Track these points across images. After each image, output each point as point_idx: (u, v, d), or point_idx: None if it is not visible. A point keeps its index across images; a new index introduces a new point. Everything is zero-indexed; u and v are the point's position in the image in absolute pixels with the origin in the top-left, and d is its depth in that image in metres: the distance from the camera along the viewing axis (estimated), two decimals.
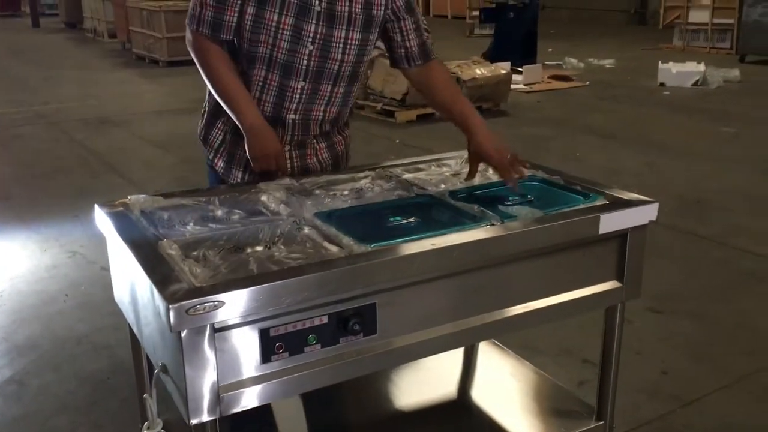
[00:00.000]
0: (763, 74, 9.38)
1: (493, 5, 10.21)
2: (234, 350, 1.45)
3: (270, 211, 1.86)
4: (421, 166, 2.24)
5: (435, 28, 15.33)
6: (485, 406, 2.25)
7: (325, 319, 1.52)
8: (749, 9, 10.17)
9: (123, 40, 12.41)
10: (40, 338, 3.00)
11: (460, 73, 7.10)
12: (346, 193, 2.01)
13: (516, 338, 2.51)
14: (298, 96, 2.05)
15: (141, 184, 5.00)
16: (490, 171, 2.18)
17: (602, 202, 1.87)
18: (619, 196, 1.90)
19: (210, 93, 2.09)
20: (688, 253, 3.78)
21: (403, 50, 2.12)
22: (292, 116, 2.08)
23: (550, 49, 11.02)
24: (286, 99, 2.05)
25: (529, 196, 1.93)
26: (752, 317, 3.13)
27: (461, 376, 2.42)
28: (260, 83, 2.03)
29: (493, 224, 1.72)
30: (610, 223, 1.79)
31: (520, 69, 8.72)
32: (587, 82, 8.86)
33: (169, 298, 1.35)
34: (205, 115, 2.18)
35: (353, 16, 2.00)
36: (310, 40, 1.98)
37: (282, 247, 1.63)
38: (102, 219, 1.84)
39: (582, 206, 1.86)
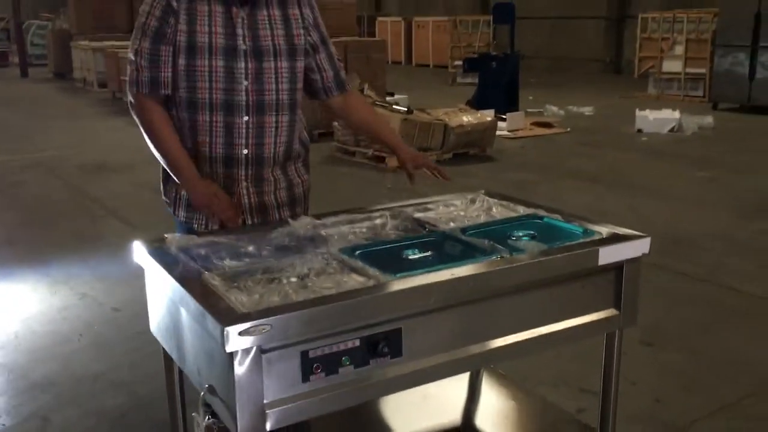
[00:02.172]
0: (736, 121, 9.77)
1: (476, 56, 10.59)
2: (277, 370, 1.60)
3: (296, 247, 2.03)
4: (429, 206, 2.42)
5: (417, 77, 15.81)
6: (491, 431, 2.40)
7: (357, 342, 1.68)
8: (720, 59, 10.64)
9: (114, 89, 12.63)
10: (58, 376, 3.10)
11: (447, 120, 7.37)
12: (364, 230, 2.19)
13: (516, 370, 2.67)
14: (245, 130, 2.20)
15: (143, 228, 5.13)
16: (494, 210, 2.38)
17: (599, 237, 2.06)
18: (615, 231, 2.09)
19: None
20: (673, 290, 3.98)
21: (319, 82, 2.34)
22: (244, 151, 2.22)
23: (530, 97, 11.39)
24: (234, 135, 2.20)
25: (532, 232, 2.12)
26: (736, 349, 3.31)
27: (467, 403, 2.57)
28: (207, 126, 2.18)
29: (502, 257, 1.90)
30: (608, 255, 1.98)
31: (504, 116, 9.02)
32: (568, 129, 9.18)
33: (224, 322, 1.50)
34: (161, 172, 2.33)
35: (277, 48, 2.20)
36: (243, 76, 2.16)
37: (314, 278, 1.79)
38: (142, 255, 2.00)
39: (581, 240, 2.05)
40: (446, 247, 2.04)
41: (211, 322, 1.55)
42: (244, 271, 1.83)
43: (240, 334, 1.50)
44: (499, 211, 2.37)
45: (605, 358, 2.16)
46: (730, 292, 3.95)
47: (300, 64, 2.26)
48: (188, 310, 1.70)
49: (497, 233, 2.11)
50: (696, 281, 4.12)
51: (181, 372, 2.14)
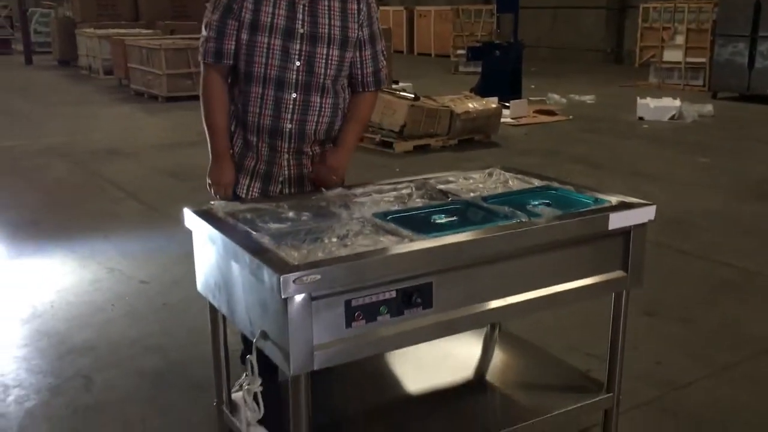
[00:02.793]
0: (735, 110, 9.95)
1: (480, 44, 10.75)
2: (324, 316, 1.80)
3: (333, 212, 2.22)
4: (450, 179, 2.61)
5: (420, 65, 15.94)
6: (506, 383, 2.60)
7: (393, 294, 1.88)
8: (721, 49, 10.81)
9: (120, 76, 12.78)
10: (95, 341, 3.30)
11: (453, 106, 7.55)
12: (391, 199, 2.39)
13: (526, 338, 2.86)
14: (291, 106, 2.41)
15: (162, 209, 5.32)
16: (510, 182, 2.58)
17: (609, 205, 2.25)
18: (623, 200, 2.28)
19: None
20: (673, 266, 4.18)
21: (359, 76, 2.51)
22: (288, 126, 2.43)
23: (532, 86, 11.55)
24: (282, 110, 2.41)
25: (547, 201, 2.31)
26: (732, 319, 3.52)
27: (481, 360, 2.77)
28: (259, 98, 2.41)
29: (521, 221, 2.10)
30: (618, 220, 2.17)
31: (507, 104, 9.20)
32: (571, 116, 9.36)
33: (280, 271, 1.70)
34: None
35: (332, 36, 2.39)
36: (297, 57, 2.37)
37: (353, 238, 1.99)
38: (193, 219, 2.19)
39: (593, 207, 2.25)
40: (469, 213, 2.23)
41: (267, 273, 1.74)
42: (289, 232, 2.03)
43: (294, 282, 1.70)
44: (515, 183, 2.57)
45: (613, 317, 2.37)
46: (727, 267, 4.15)
47: (349, 55, 2.45)
48: (243, 264, 1.89)
49: (515, 201, 2.30)
50: (695, 258, 4.32)
51: (224, 326, 2.34)
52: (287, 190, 2.51)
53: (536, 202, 2.29)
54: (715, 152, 7.28)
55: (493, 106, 7.83)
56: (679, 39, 12.00)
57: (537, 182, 2.55)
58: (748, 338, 3.31)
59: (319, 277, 1.73)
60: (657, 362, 3.07)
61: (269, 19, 2.33)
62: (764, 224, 4.98)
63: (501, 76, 10.18)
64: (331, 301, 1.80)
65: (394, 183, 2.55)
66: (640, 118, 9.17)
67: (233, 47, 2.38)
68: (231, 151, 2.52)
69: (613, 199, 2.30)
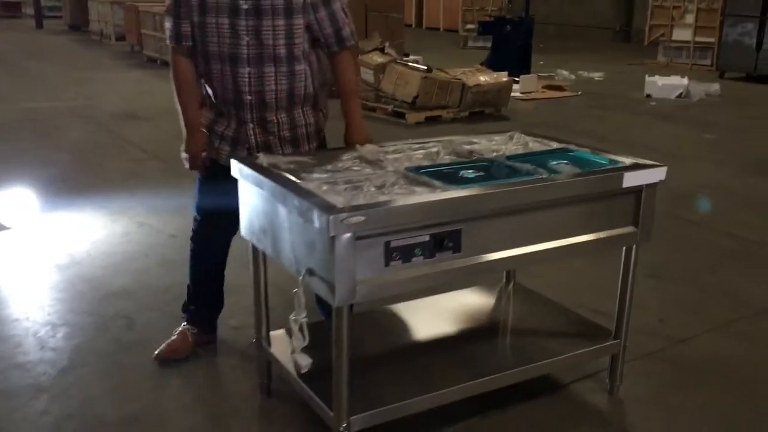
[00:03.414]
0: (741, 89, 10.08)
1: (492, 19, 10.84)
2: (365, 255, 2.00)
3: (368, 166, 2.41)
4: (474, 140, 2.80)
5: (429, 40, 16.01)
6: (520, 330, 2.81)
7: (427, 238, 2.08)
8: (729, 29, 10.91)
9: (133, 42, 12.88)
10: (133, 287, 3.51)
11: (465, 79, 7.69)
12: (420, 156, 2.57)
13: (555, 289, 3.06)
14: (248, 80, 2.55)
15: (182, 170, 5.49)
16: (530, 144, 2.76)
17: (623, 165, 2.44)
18: (636, 161, 2.47)
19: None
20: (679, 234, 4.37)
21: (321, 38, 2.61)
22: (248, 97, 2.57)
23: (541, 62, 11.65)
24: (239, 84, 2.55)
25: (565, 161, 2.50)
26: (734, 283, 3.72)
27: (495, 310, 2.98)
28: (219, 75, 2.57)
29: (543, 177, 2.28)
30: (631, 179, 2.36)
31: (517, 78, 9.33)
32: (579, 92, 9.50)
33: (328, 212, 1.89)
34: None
35: (275, 7, 2.48)
36: (245, 32, 2.50)
37: (390, 188, 2.18)
38: (241, 168, 2.38)
39: (608, 167, 2.43)
40: (494, 169, 2.42)
41: (317, 214, 1.94)
42: (331, 181, 2.22)
43: (341, 221, 1.89)
44: (535, 145, 2.75)
45: (623, 269, 2.56)
46: (729, 237, 4.34)
47: (299, 21, 2.54)
48: (292, 208, 2.09)
49: (536, 160, 2.49)
50: (699, 227, 4.52)
51: (265, 268, 2.54)
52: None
53: (555, 162, 2.48)
54: (721, 130, 7.44)
55: (504, 79, 7.98)
56: (689, 18, 12.09)
57: (555, 145, 2.73)
58: (747, 300, 3.52)
59: (363, 218, 1.93)
60: (660, 320, 3.28)
61: (214, 0, 2.48)
62: (766, 198, 5.17)
63: (511, 51, 10.29)
64: (372, 241, 2.00)
65: (423, 142, 2.75)
66: (648, 96, 9.31)
67: (189, 29, 2.54)
68: (202, 123, 2.68)
69: (627, 161, 2.49)
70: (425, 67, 7.71)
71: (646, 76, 9.68)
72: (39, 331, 3.09)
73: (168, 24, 2.58)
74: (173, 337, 2.88)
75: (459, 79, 7.67)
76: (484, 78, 7.82)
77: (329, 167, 2.40)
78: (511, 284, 3.10)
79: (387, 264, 2.04)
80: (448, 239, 2.11)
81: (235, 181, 2.45)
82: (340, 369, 2.10)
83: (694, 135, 7.25)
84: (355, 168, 2.40)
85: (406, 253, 2.06)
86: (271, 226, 2.28)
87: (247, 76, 2.54)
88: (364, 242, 1.98)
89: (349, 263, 1.96)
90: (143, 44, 12.20)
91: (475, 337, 2.76)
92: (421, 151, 2.63)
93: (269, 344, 2.58)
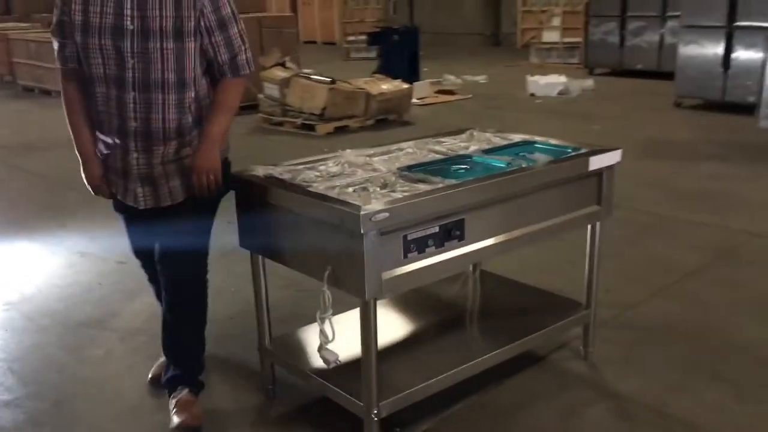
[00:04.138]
0: (610, 84, 10.94)
1: (379, 29, 11.17)
2: (387, 248, 2.15)
3: (360, 169, 2.55)
4: (441, 140, 3.00)
5: (310, 53, 16.13)
6: (496, 312, 3.04)
7: (437, 229, 2.26)
8: (594, 29, 11.80)
9: (3, 72, 12.19)
10: (100, 315, 3.45)
11: (368, 88, 7.92)
12: (402, 157, 2.74)
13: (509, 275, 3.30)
14: (133, 105, 2.34)
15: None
16: (492, 139, 3.00)
17: (585, 151, 2.73)
18: (594, 148, 2.76)
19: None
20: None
21: (215, 64, 2.42)
22: (133, 124, 2.37)
23: (425, 69, 12.08)
24: (125, 109, 2.35)
25: (535, 152, 2.76)
26: (658, 253, 4.15)
27: (465, 299, 3.19)
28: (103, 98, 2.38)
29: (523, 166, 2.52)
30: (596, 162, 2.65)
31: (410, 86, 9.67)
32: (470, 95, 9.98)
33: (358, 211, 2.03)
34: None
35: (164, 29, 2.30)
36: (130, 55, 2.31)
37: (394, 187, 2.34)
38: (242, 182, 2.46)
39: (573, 154, 2.71)
40: (478, 163, 2.63)
41: (344, 214, 2.07)
42: (334, 186, 2.34)
43: (370, 219, 2.04)
44: (497, 140, 2.99)
45: (589, 243, 2.86)
46: (644, 214, 4.81)
47: (191, 45, 2.34)
48: (310, 212, 2.20)
49: (510, 152, 2.74)
50: (616, 208, 4.94)
51: (265, 276, 2.62)
52: (141, 190, 2.45)
53: (527, 152, 2.73)
54: (604, 120, 8.09)
55: (405, 87, 8.28)
56: (556, 21, 12.98)
57: (516, 138, 2.99)
58: (673, 266, 3.94)
59: (387, 215, 2.08)
60: (607, 291, 3.61)
61: (98, 19, 2.30)
62: (662, 178, 5.73)
63: (400, 59, 10.64)
64: (393, 236, 2.16)
65: (393, 145, 2.91)
66: (532, 94, 9.92)
67: (74, 50, 2.37)
68: (96, 149, 2.49)
69: (585, 149, 2.78)
70: (329, 79, 7.87)
71: (527, 76, 10.31)
72: (13, 366, 3.00)
73: (54, 45, 2.41)
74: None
75: (363, 89, 7.89)
76: (386, 86, 8.10)
77: (324, 172, 2.52)
78: (478, 272, 3.33)
79: (405, 256, 2.20)
80: (455, 228, 2.30)
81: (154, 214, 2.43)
82: (369, 359, 2.23)
83: (583, 127, 7.84)
84: (348, 171, 2.54)
85: (420, 245, 2.23)
86: (282, 234, 2.38)
87: (132, 101, 2.34)
88: (386, 237, 2.13)
89: (375, 258, 2.11)
90: (15, 73, 11.59)
91: (461, 323, 2.96)
92: (400, 152, 2.80)
93: (275, 350, 2.66)
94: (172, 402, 2.58)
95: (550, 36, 13.16)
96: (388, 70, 10.40)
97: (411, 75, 10.47)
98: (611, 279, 3.76)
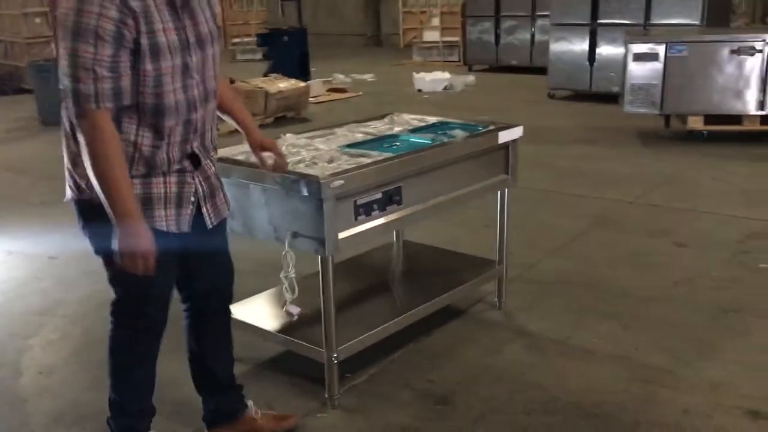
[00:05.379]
0: (489, 79, 11.71)
1: (268, 31, 11.42)
2: (341, 212, 2.51)
3: (305, 149, 2.90)
4: (369, 124, 3.38)
5: None
6: (419, 274, 3.46)
7: (380, 195, 2.65)
8: (471, 28, 12.57)
9: None
10: (48, 305, 3.58)
11: (267, 88, 8.19)
12: (339, 138, 3.11)
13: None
14: (199, 125, 2.14)
15: (21, 198, 5.37)
16: (412, 122, 3.41)
17: (494, 127, 3.20)
18: (501, 125, 3.24)
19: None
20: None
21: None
22: (195, 143, 2.15)
23: (313, 69, 12.44)
24: (189, 132, 2.11)
25: (453, 129, 3.20)
26: (548, 222, 4.74)
27: (389, 264, 3.60)
28: (168, 131, 2.05)
29: (445, 141, 2.96)
30: (504, 136, 3.13)
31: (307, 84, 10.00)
32: (360, 93, 10.43)
33: (317, 180, 2.39)
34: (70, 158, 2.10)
35: (211, 32, 2.15)
36: (195, 69, 2.09)
37: (339, 161, 2.70)
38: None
39: (484, 130, 3.18)
40: (406, 141, 3.04)
41: (306, 184, 2.41)
42: (289, 161, 2.67)
43: (329, 186, 2.40)
44: (415, 122, 3.42)
45: (499, 208, 3.34)
46: (532, 191, 5.41)
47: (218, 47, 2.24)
48: (272, 184, 2.52)
49: (432, 131, 3.17)
50: None
51: None
52: (205, 209, 2.23)
53: (446, 130, 3.17)
54: (489, 112, 8.74)
55: (302, 85, 8.61)
56: (435, 21, 13.69)
57: (432, 119, 3.43)
58: (562, 231, 4.54)
59: (342, 182, 2.45)
60: (512, 253, 4.13)
61: (164, 37, 1.99)
62: (541, 160, 6.39)
63: (290, 59, 10.93)
64: (346, 201, 2.52)
65: (327, 128, 3.27)
66: (419, 90, 10.51)
67: (129, 83, 1.96)
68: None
69: (493, 126, 3.25)
70: (228, 79, 8.06)
71: (414, 73, 10.89)
72: None
73: (102, 80, 1.89)
74: None
75: (261, 88, 8.15)
76: (284, 85, 8.39)
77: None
78: (401, 241, 3.75)
79: (356, 218, 2.58)
80: (394, 194, 2.70)
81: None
82: (329, 308, 2.59)
83: (472, 118, 8.42)
84: (293, 152, 2.87)
85: (367, 209, 2.61)
86: (241, 208, 2.68)
87: (199, 121, 2.13)
88: (340, 202, 2.50)
89: (333, 220, 2.47)
90: None
91: (393, 284, 3.37)
92: (334, 135, 3.17)
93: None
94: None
95: (431, 35, 13.86)
96: (279, 70, 10.69)
97: (302, 74, 10.79)
98: (514, 245, 4.27)
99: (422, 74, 10.81)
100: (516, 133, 3.21)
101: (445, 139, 2.98)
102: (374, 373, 2.93)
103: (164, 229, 2.10)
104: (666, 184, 5.52)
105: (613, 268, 3.98)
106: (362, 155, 2.77)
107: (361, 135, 3.14)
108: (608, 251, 4.22)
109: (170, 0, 2.01)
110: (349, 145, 2.92)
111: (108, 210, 1.96)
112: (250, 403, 2.57)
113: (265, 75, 10.40)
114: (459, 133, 3.07)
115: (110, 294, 2.20)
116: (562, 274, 3.91)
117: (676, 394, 2.75)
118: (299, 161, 2.71)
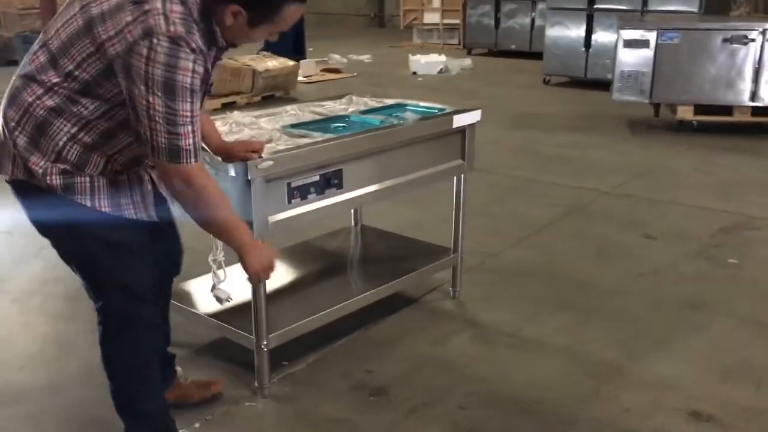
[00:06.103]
0: (487, 63, 11.55)
1: None
2: (272, 195, 2.43)
3: (247, 128, 2.80)
4: (323, 103, 3.29)
5: None
6: (374, 259, 3.38)
7: (317, 178, 2.55)
8: (471, 11, 12.37)
9: None
10: (11, 273, 3.53)
11: (255, 65, 8.07)
12: (286, 117, 3.01)
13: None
14: None
15: None
16: (369, 103, 3.31)
17: (450, 111, 3.09)
18: (457, 109, 3.13)
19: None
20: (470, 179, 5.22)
21: None
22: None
23: (311, 48, 12.29)
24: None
25: (405, 112, 3.09)
26: (518, 210, 4.63)
27: (348, 250, 3.51)
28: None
29: (394, 123, 2.85)
30: (459, 120, 3.03)
31: (296, 63, 9.86)
32: (355, 73, 10.29)
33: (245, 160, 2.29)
34: (29, 139, 1.94)
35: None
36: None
37: (278, 141, 2.61)
38: None
39: (440, 114, 3.07)
40: (353, 122, 2.94)
41: (233, 163, 2.31)
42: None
43: (257, 167, 2.30)
44: (372, 103, 3.32)
45: (455, 194, 3.24)
46: (509, 178, 5.30)
47: None
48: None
49: (384, 113, 3.07)
50: (485, 173, 5.41)
51: None
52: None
53: (399, 113, 3.06)
54: (482, 96, 8.62)
55: (291, 64, 8.48)
56: (436, 3, 13.48)
57: (389, 101, 3.32)
58: (531, 221, 4.43)
59: (272, 162, 2.35)
60: (476, 242, 4.03)
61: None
62: (526, 146, 6.28)
63: (285, 38, 10.77)
64: (277, 183, 2.43)
65: (278, 108, 3.17)
66: (414, 73, 10.36)
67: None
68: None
69: (451, 109, 3.14)
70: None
71: (409, 55, 10.74)
72: None
73: (188, 141, 1.88)
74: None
75: (249, 66, 8.03)
76: (272, 63, 8.27)
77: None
78: (359, 226, 3.66)
79: (289, 201, 2.49)
80: (333, 177, 2.61)
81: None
82: (259, 295, 2.50)
83: (463, 102, 8.27)
84: (236, 130, 2.78)
85: (303, 192, 2.52)
86: None
87: None
88: (271, 184, 2.41)
89: (262, 203, 2.38)
90: None
91: (342, 269, 3.28)
92: (284, 114, 3.07)
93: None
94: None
95: (431, 17, 13.65)
96: (273, 48, 10.55)
97: (297, 53, 10.65)
98: (477, 233, 4.19)
99: (418, 56, 10.66)
100: (473, 117, 3.10)
101: (395, 122, 2.87)
102: (313, 362, 2.85)
103: (134, 217, 2.06)
104: (647, 174, 5.40)
105: (578, 259, 3.87)
106: (303, 136, 2.68)
107: (310, 115, 3.04)
108: (575, 242, 4.11)
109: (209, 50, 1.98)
110: (293, 125, 2.82)
111: (228, 245, 2.12)
112: (179, 369, 2.57)
113: (259, 52, 10.30)
114: (410, 116, 2.97)
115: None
116: (525, 264, 3.82)
117: (620, 391, 2.66)
118: (243, 138, 2.61)
